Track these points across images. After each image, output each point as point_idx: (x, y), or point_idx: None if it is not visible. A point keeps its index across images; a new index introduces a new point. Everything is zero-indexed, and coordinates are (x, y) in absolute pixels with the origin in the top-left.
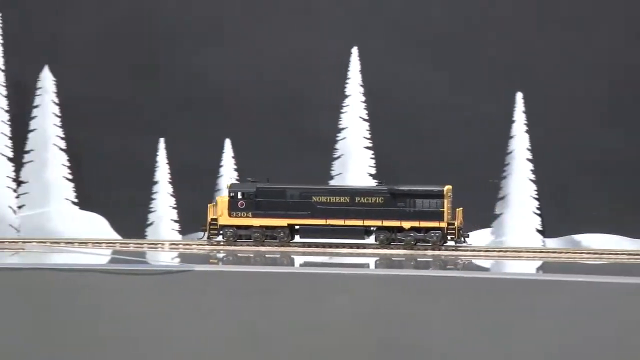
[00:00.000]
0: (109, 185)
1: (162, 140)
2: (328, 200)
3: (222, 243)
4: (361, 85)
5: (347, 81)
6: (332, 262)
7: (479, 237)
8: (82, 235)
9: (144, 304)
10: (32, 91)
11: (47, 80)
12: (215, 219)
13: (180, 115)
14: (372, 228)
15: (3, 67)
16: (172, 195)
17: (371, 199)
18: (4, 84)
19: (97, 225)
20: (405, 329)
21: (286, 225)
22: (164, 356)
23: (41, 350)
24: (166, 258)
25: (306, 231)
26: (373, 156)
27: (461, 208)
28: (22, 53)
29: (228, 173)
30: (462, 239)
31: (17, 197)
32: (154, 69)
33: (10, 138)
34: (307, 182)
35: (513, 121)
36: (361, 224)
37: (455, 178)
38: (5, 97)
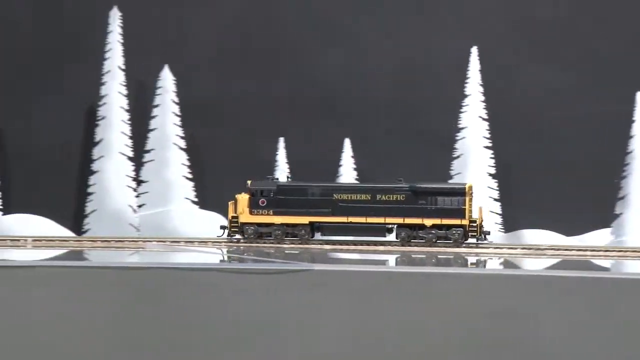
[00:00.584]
0: (229, 185)
1: (281, 140)
2: (349, 198)
3: (242, 240)
4: (481, 85)
5: (467, 80)
6: (446, 260)
7: (598, 237)
8: (202, 235)
9: (263, 304)
10: (152, 90)
11: (167, 80)
12: (236, 217)
13: (300, 115)
14: (392, 225)
15: (124, 67)
16: None
17: (392, 197)
18: (125, 84)
19: (217, 225)
20: (525, 330)
21: (307, 222)
22: (282, 356)
23: (160, 349)
24: (286, 257)
25: (328, 229)
26: (493, 156)
27: (481, 206)
28: (142, 52)
29: (348, 173)
30: (484, 237)
31: (137, 196)
32: (274, 69)
33: (131, 137)
34: (329, 180)
35: (633, 121)
36: (383, 221)
37: (575, 177)
38: (126, 96)
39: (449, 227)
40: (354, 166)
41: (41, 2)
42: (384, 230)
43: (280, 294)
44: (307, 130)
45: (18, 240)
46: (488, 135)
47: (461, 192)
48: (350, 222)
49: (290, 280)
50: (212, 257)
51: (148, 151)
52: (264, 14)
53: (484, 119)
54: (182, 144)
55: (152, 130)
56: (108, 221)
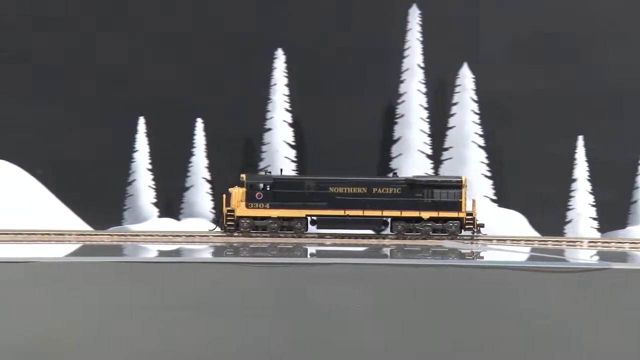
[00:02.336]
0: (526, 183)
1: (580, 138)
2: (346, 191)
3: (236, 234)
4: None
5: None
6: None
7: None
8: (501, 232)
9: (559, 303)
10: (451, 88)
11: (466, 77)
12: (232, 211)
13: (599, 113)
14: (388, 218)
15: (423, 65)
16: (590, 192)
17: (389, 190)
18: (424, 82)
19: (515, 223)
20: None
21: (304, 216)
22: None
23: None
24: (584, 256)
25: (324, 222)
26: None
27: (474, 199)
28: (441, 50)
29: None
30: (478, 229)
31: None
32: (573, 67)
33: (430, 135)
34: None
35: None
36: (380, 214)
37: None
38: (425, 94)
39: (445, 219)
40: None
41: (344, 3)
42: (380, 223)
43: (575, 293)
44: (606, 128)
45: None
46: None
47: (458, 185)
48: (347, 215)
49: (586, 279)
50: (514, 255)
51: (447, 149)
52: (564, 13)
53: None
54: (481, 142)
55: (450, 128)
56: None
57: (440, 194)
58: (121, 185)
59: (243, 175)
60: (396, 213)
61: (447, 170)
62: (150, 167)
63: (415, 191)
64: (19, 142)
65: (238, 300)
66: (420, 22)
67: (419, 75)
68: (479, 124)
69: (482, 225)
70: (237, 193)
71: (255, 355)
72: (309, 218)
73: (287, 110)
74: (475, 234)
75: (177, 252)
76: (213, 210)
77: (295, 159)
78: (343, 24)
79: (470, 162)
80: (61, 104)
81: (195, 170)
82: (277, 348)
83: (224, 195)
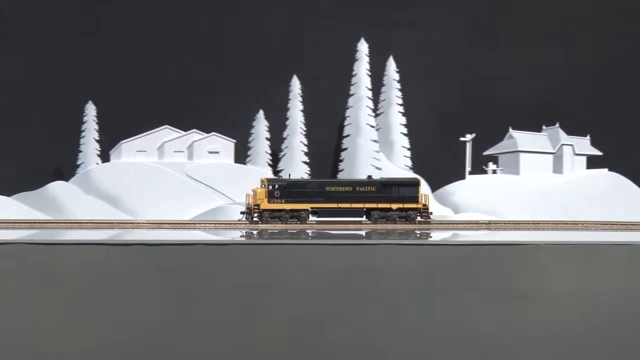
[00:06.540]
0: None
1: None
2: (337, 190)
3: (260, 222)
4: None
5: None
6: None
7: None
8: None
9: None
10: None
11: None
12: (258, 205)
13: None
14: (366, 209)
15: None
16: None
17: (368, 188)
18: None
19: None
20: None
21: (309, 208)
22: None
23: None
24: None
25: (323, 212)
26: None
27: (427, 194)
28: None
29: None
30: (429, 216)
31: None
32: None
33: None
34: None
35: None
36: (362, 206)
37: None
38: None
39: (407, 209)
40: None
41: None
42: (362, 212)
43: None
44: None
45: None
46: None
47: (416, 184)
48: (339, 207)
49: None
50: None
51: None
52: None
53: None
54: None
55: None
56: None
57: (404, 190)
58: None
59: (264, 179)
60: (373, 205)
61: None
62: None
63: (386, 189)
64: None
65: None
66: None
67: None
68: None
69: (431, 213)
70: (260, 192)
71: None
72: (310, 209)
73: None
74: (427, 220)
75: None
76: None
77: None
78: None
79: None
80: None
81: None
82: None
83: (247, 194)
